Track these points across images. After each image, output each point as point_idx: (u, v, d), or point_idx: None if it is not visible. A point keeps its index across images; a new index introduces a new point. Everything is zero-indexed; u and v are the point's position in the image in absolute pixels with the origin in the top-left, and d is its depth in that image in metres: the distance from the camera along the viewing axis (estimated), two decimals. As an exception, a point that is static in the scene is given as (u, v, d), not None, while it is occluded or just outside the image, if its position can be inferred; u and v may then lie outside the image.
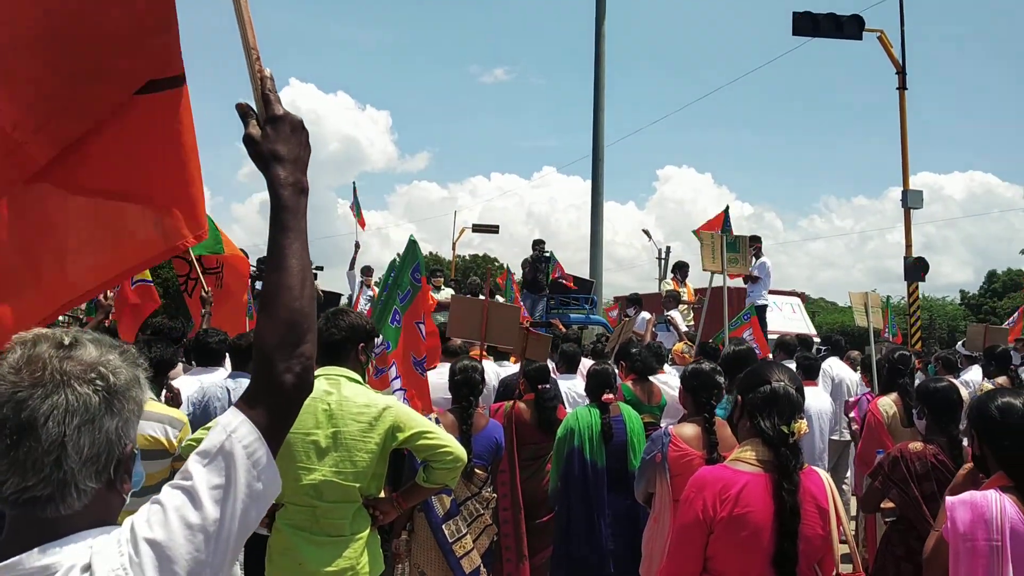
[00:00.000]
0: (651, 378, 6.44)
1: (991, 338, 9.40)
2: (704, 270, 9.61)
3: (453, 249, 40.28)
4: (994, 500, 2.66)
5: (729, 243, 9.19)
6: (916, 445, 4.03)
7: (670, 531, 3.24)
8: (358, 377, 3.44)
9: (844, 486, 8.75)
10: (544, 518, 5.33)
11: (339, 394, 3.30)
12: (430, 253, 63.84)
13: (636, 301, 14.14)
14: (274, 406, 1.41)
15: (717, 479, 2.63)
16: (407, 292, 5.52)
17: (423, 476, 3.45)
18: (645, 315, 12.76)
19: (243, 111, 1.56)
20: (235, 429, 1.35)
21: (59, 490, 1.23)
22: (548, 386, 5.63)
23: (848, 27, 15.49)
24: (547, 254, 14.44)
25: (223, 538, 1.29)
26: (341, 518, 3.23)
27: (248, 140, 1.53)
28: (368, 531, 3.32)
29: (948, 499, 2.78)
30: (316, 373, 3.31)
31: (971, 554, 2.63)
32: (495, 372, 7.55)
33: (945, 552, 2.75)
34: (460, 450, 3.39)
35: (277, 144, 1.52)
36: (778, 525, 2.53)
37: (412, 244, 5.82)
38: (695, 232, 10.11)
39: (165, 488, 1.31)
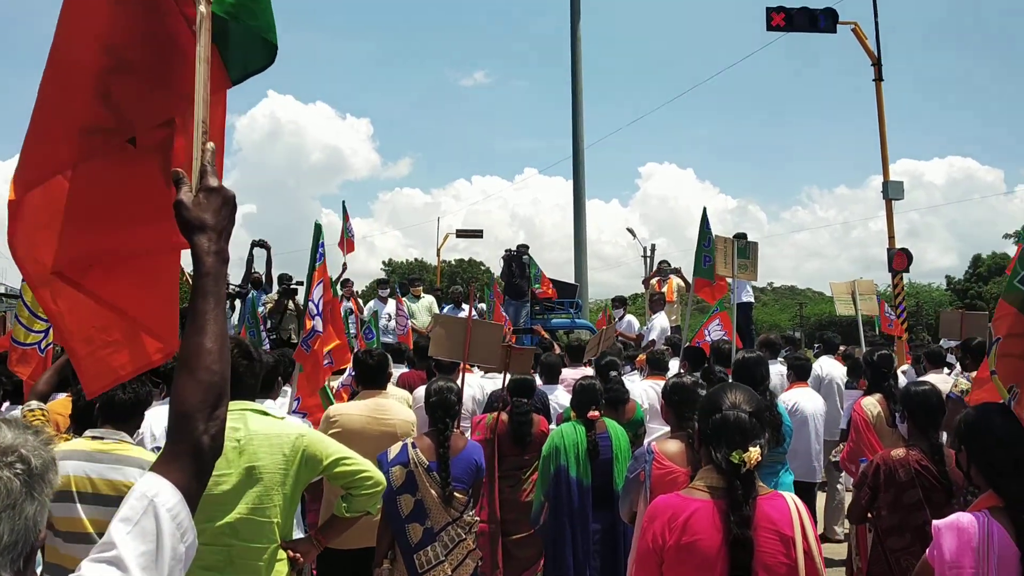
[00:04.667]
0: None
1: (968, 325, 9.19)
2: (717, 274, 9.56)
3: (438, 255, 40.20)
4: (982, 525, 2.61)
5: (740, 249, 9.15)
6: (899, 452, 4.00)
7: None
8: (264, 408, 3.37)
9: (838, 485, 8.74)
10: (523, 534, 5.28)
11: (247, 428, 3.22)
12: (415, 259, 63.82)
13: (622, 303, 14.10)
14: (193, 467, 1.41)
15: (667, 507, 2.57)
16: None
17: (343, 506, 3.38)
18: (631, 319, 12.73)
19: (177, 177, 1.62)
20: (157, 493, 1.33)
21: None
22: (524, 400, 5.57)
23: (822, 21, 15.51)
24: (525, 259, 14.29)
25: None
26: (257, 559, 3.13)
27: (178, 205, 1.58)
28: (286, 574, 3.23)
29: (935, 523, 2.72)
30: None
31: None
32: (480, 385, 7.52)
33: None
34: (379, 474, 3.39)
35: (206, 213, 1.57)
36: (728, 557, 2.45)
37: (317, 229, 6.12)
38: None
39: (85, 564, 1.26)
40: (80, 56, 2.29)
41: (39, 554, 1.36)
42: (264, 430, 3.23)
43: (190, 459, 1.41)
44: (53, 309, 2.58)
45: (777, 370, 8.18)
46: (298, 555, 3.29)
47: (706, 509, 2.52)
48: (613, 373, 6.29)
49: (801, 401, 7.28)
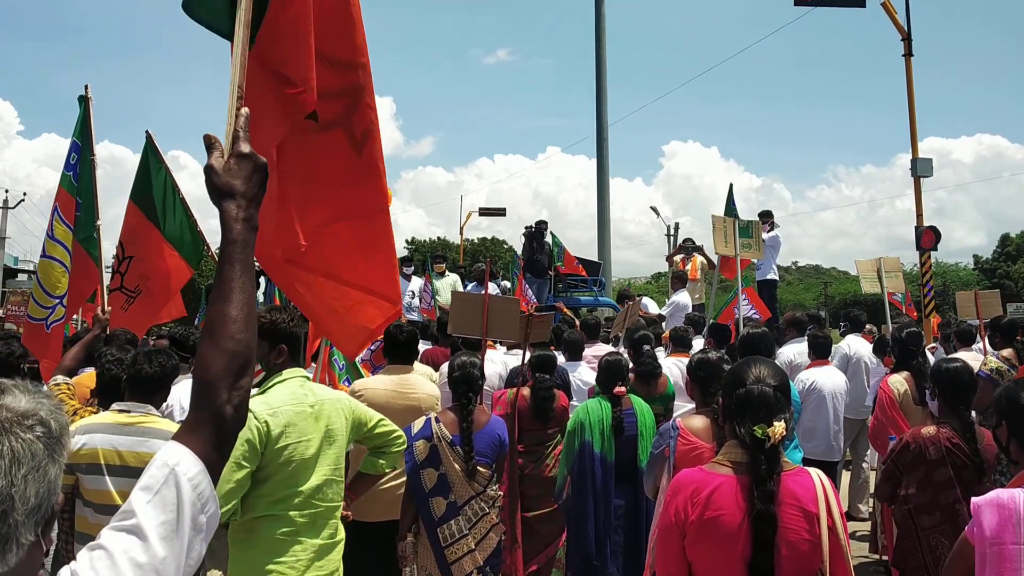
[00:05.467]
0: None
1: (983, 305, 9.08)
2: (716, 253, 9.51)
3: (460, 233, 40.20)
4: (1021, 500, 2.56)
5: (742, 228, 9.05)
6: (929, 429, 3.94)
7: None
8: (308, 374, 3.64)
9: (864, 464, 8.68)
10: (546, 509, 5.28)
11: (314, 394, 3.46)
12: (439, 238, 63.84)
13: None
14: (216, 437, 1.39)
15: (690, 481, 2.55)
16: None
17: (377, 464, 3.78)
18: (647, 300, 12.66)
19: (209, 142, 1.59)
20: (178, 462, 1.32)
21: (1, 546, 1.16)
22: (547, 376, 5.56)
23: (851, -5, 15.25)
24: (547, 235, 14.21)
25: (172, 574, 1.25)
26: (333, 517, 3.41)
27: (208, 170, 1.55)
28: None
29: (974, 500, 2.66)
30: (284, 377, 3.44)
31: (998, 558, 2.53)
32: (504, 362, 7.52)
33: (968, 554, 2.65)
34: (402, 432, 3.87)
35: (236, 179, 1.55)
36: (751, 532, 2.42)
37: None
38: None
39: (105, 532, 1.26)
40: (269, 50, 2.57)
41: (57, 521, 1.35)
42: (327, 395, 3.52)
43: (212, 429, 1.39)
44: (295, 292, 2.86)
45: (800, 348, 8.11)
46: (347, 512, 3.63)
47: (729, 484, 2.49)
48: (646, 347, 6.25)
49: (820, 379, 7.21)
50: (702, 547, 2.48)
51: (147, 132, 6.93)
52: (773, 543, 2.40)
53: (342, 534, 3.50)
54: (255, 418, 3.20)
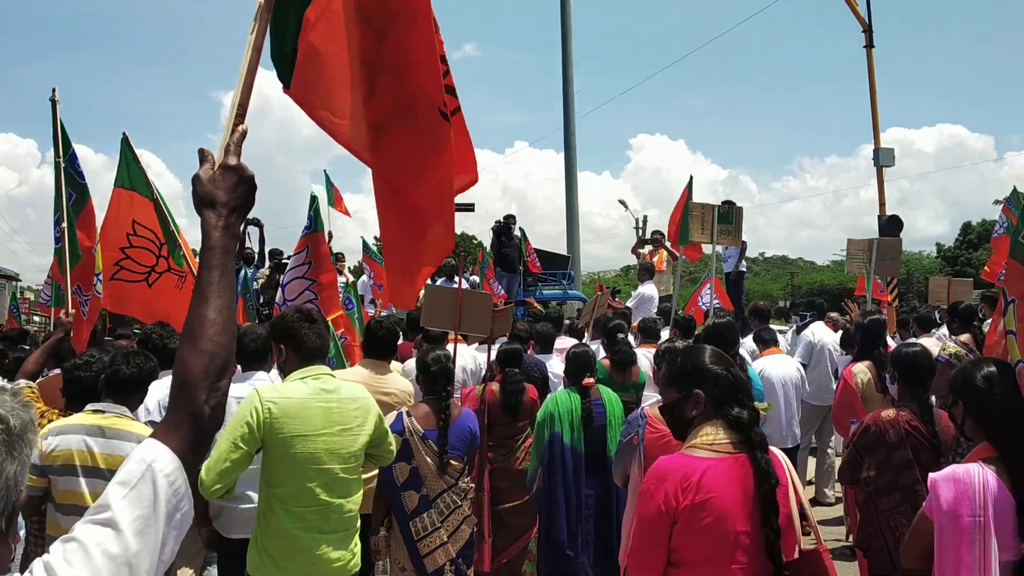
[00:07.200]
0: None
1: (955, 291, 9.27)
2: (691, 241, 9.44)
3: (430, 229, 39.95)
4: (977, 474, 2.67)
5: (722, 214, 9.05)
6: (889, 412, 4.04)
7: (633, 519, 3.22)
8: (331, 372, 3.70)
9: (828, 450, 8.81)
10: (517, 501, 5.33)
11: (337, 393, 3.53)
12: (408, 235, 63.35)
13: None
14: (193, 436, 1.42)
15: (677, 468, 2.57)
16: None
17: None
18: None
19: (202, 155, 1.69)
20: (155, 459, 1.33)
21: None
22: (516, 370, 5.61)
23: (811, -13, 15.43)
24: (516, 231, 14.22)
25: (146, 569, 1.26)
26: (349, 512, 3.49)
27: (194, 180, 1.66)
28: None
29: (931, 475, 2.78)
30: (302, 374, 3.50)
31: (955, 530, 2.64)
32: (472, 356, 7.54)
33: (927, 529, 2.76)
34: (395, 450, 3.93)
35: (219, 190, 1.64)
36: (760, 497, 2.50)
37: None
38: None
39: (79, 525, 1.26)
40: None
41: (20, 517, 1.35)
42: (352, 395, 3.59)
43: (190, 428, 1.41)
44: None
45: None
46: None
47: (718, 467, 2.55)
48: (620, 335, 6.33)
49: (768, 367, 7.36)
50: (695, 531, 2.50)
51: (123, 134, 6.81)
52: (774, 520, 2.51)
53: (358, 530, 3.62)
54: (260, 402, 3.28)
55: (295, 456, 3.32)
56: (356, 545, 3.56)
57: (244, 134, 1.75)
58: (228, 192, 1.64)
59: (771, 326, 8.47)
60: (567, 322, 9.83)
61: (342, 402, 3.50)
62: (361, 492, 3.62)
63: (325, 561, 3.35)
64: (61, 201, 6.51)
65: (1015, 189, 11.24)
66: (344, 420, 3.47)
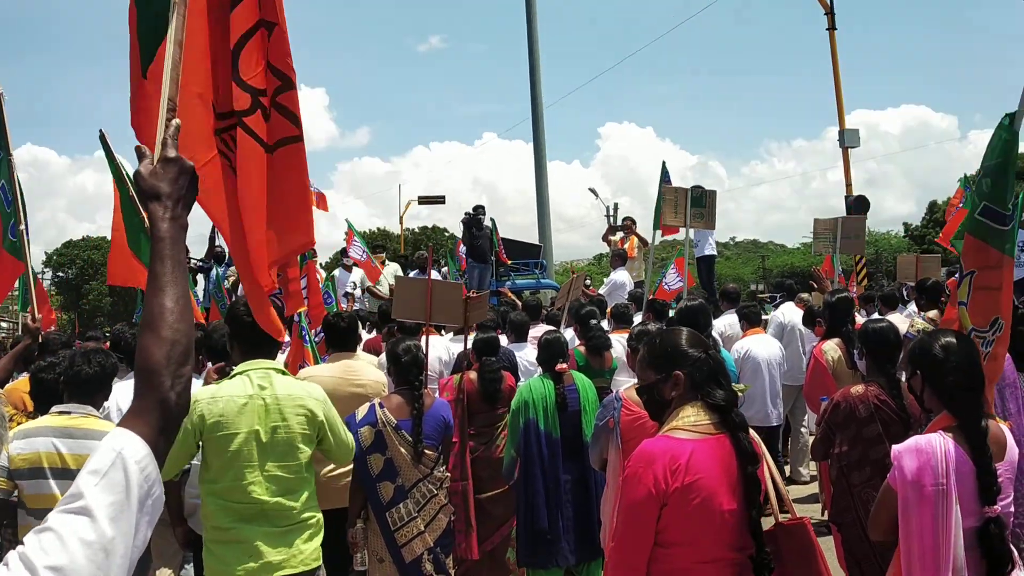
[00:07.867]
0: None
1: (923, 268, 9.41)
2: (665, 224, 9.42)
3: (401, 223, 39.95)
4: (938, 444, 2.74)
5: (695, 197, 9.04)
6: (858, 388, 4.10)
7: (615, 502, 3.24)
8: (283, 369, 3.66)
9: (802, 428, 8.90)
10: (498, 490, 5.35)
11: (272, 389, 3.47)
12: (379, 229, 63.27)
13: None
14: (162, 422, 1.42)
15: (664, 450, 2.56)
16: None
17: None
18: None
19: (140, 152, 1.71)
20: (124, 446, 1.33)
21: None
22: (493, 358, 5.62)
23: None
24: (486, 222, 14.18)
25: (121, 555, 1.26)
26: (291, 509, 3.43)
27: (136, 175, 1.68)
28: (318, 516, 3.59)
29: (894, 448, 2.84)
30: (242, 368, 3.49)
31: (919, 500, 2.70)
32: (446, 347, 7.55)
33: (892, 500, 2.81)
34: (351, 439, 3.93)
35: (162, 182, 1.66)
36: (743, 476, 2.55)
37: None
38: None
39: (53, 515, 1.26)
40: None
41: None
42: (288, 391, 3.53)
43: (158, 415, 1.41)
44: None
45: (732, 320, 8.38)
46: None
47: (703, 448, 2.56)
48: (593, 321, 6.37)
49: (753, 347, 7.44)
50: (683, 512, 2.51)
51: (100, 131, 6.73)
52: (758, 499, 2.57)
53: (312, 528, 3.55)
54: (193, 401, 3.27)
55: (227, 453, 3.35)
56: (308, 541, 3.49)
57: (179, 128, 1.78)
58: (171, 184, 1.67)
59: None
60: (545, 311, 9.84)
61: (277, 399, 3.47)
62: (311, 490, 3.57)
63: (262, 554, 3.33)
64: (17, 201, 6.34)
65: (965, 176, 11.40)
66: (278, 417, 3.45)
